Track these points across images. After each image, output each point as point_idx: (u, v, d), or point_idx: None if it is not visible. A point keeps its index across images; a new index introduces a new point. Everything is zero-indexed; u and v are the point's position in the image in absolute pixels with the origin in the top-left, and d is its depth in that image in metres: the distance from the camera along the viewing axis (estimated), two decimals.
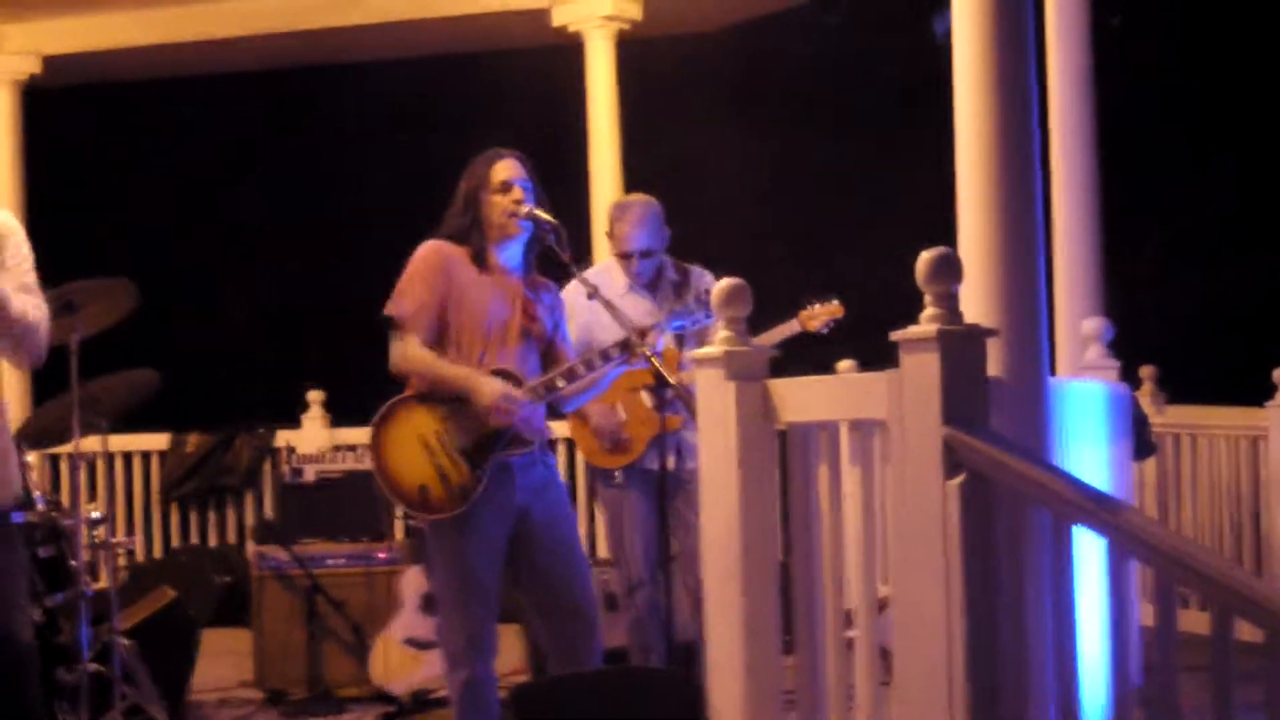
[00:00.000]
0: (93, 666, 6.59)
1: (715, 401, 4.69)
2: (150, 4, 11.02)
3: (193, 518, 11.03)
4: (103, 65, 11.70)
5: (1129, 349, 7.99)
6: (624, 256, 6.96)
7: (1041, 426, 4.32)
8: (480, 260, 5.68)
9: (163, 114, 14.56)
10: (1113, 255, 7.83)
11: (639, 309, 6.55)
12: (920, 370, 3.97)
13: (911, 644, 4.07)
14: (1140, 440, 6.80)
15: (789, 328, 7.02)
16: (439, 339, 5.64)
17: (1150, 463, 8.97)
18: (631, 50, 10.89)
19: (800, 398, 4.59)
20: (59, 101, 11.87)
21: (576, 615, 5.64)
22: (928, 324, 3.96)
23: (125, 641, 6.86)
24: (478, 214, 5.68)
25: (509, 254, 5.74)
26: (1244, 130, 15.35)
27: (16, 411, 8.33)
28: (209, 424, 11.03)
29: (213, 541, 10.96)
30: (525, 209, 5.64)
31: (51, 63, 11.36)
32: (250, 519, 10.77)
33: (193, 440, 10.94)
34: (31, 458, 7.14)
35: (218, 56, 11.80)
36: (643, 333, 5.66)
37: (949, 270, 4.01)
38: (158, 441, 10.98)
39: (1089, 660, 3.95)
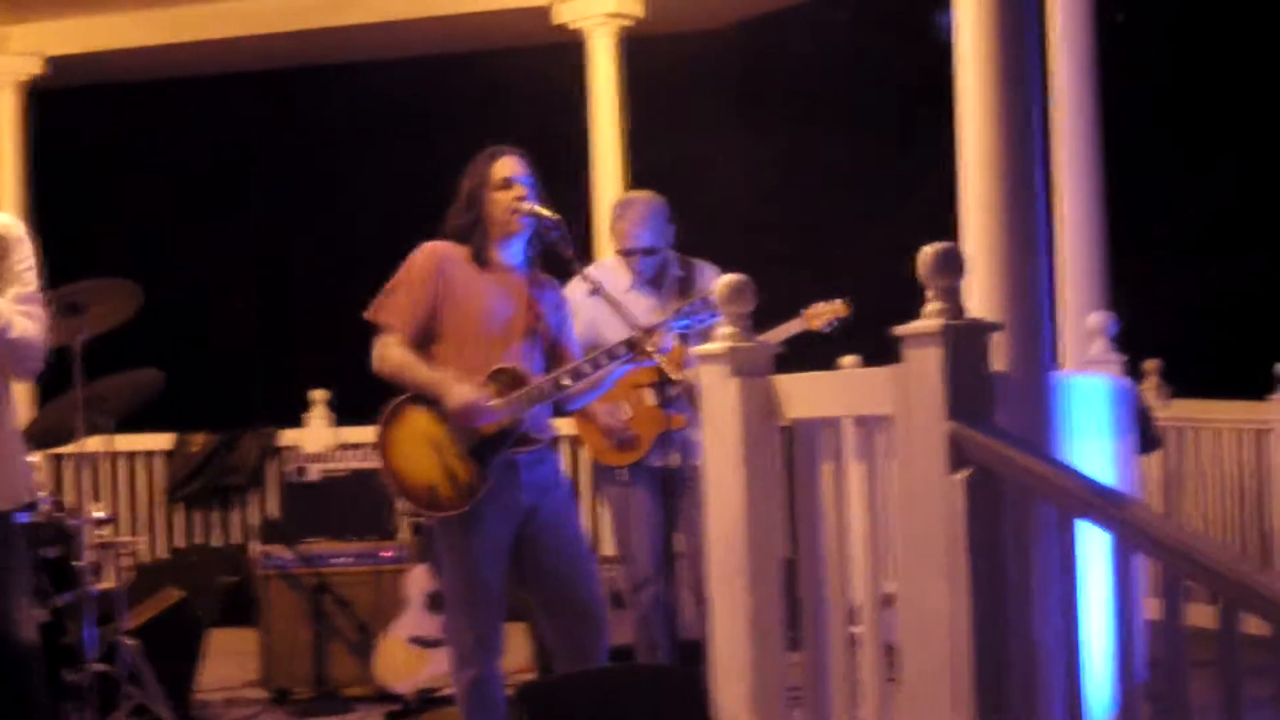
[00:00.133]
0: (99, 667, 6.60)
1: (719, 398, 4.68)
2: (153, 5, 11.03)
3: (198, 517, 11.04)
4: (106, 66, 11.71)
5: (1133, 343, 7.98)
6: (627, 254, 6.96)
7: (1046, 421, 4.31)
8: (481, 259, 5.68)
9: (166, 114, 14.56)
10: (1117, 250, 7.82)
11: (642, 306, 6.56)
12: (924, 365, 3.96)
13: (917, 640, 4.06)
14: (1145, 434, 6.79)
15: (794, 326, 7.02)
16: (437, 339, 5.65)
17: (1155, 457, 8.97)
18: (634, 48, 10.89)
19: (804, 394, 4.59)
20: (62, 102, 11.87)
21: (583, 613, 5.64)
22: (931, 318, 3.95)
23: (131, 642, 6.87)
24: (480, 212, 5.68)
25: (511, 251, 5.74)
26: (1247, 125, 15.35)
27: (21, 412, 8.33)
28: (214, 424, 11.04)
29: (218, 541, 10.96)
30: (527, 206, 5.65)
31: (55, 63, 11.37)
32: (255, 518, 10.77)
33: (197, 440, 10.94)
34: (36, 458, 7.14)
35: (220, 57, 11.81)
36: (649, 331, 5.66)
37: (952, 264, 4.00)
38: (162, 441, 10.99)
39: (1095, 655, 3.95)
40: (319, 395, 10.82)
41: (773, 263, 5.86)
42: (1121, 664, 3.77)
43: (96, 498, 9.77)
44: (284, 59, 12.22)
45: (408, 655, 7.60)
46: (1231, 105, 15.39)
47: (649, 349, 5.60)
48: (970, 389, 3.93)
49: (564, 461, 5.89)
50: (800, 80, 14.55)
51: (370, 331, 5.70)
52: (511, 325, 5.68)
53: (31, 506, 6.31)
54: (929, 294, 3.99)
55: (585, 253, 7.96)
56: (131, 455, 11.00)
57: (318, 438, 10.60)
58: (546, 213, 5.65)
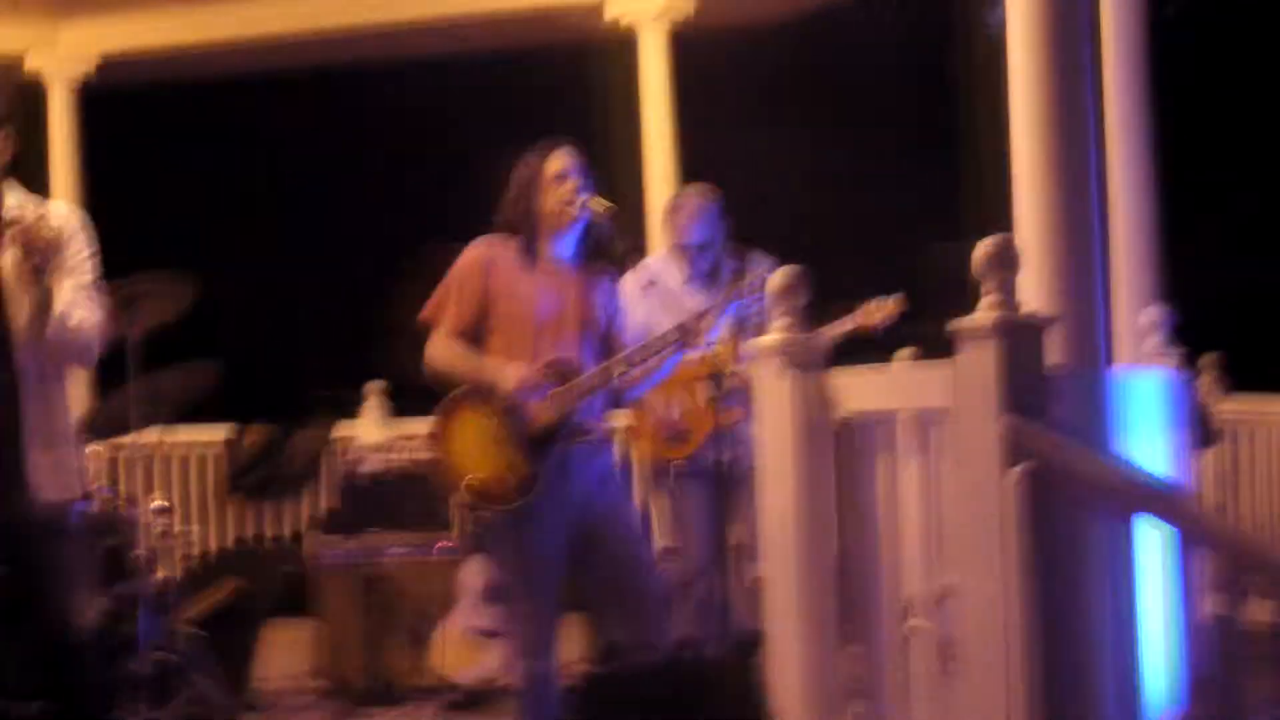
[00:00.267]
0: (157, 657, 6.64)
1: (773, 392, 4.69)
2: (204, 3, 11.08)
3: (255, 509, 11.09)
4: (158, 66, 11.75)
5: (1189, 338, 7.94)
6: (681, 249, 6.98)
7: (1101, 416, 4.30)
8: (531, 254, 5.70)
9: (217, 112, 14.59)
10: (1172, 243, 7.79)
11: (697, 301, 6.56)
12: (979, 360, 3.96)
13: (972, 635, 4.07)
14: (1201, 429, 6.77)
15: (848, 324, 7.03)
16: (488, 336, 5.67)
17: (1212, 452, 8.93)
18: (685, 43, 10.88)
19: (858, 388, 4.59)
20: (115, 101, 11.93)
21: (641, 606, 5.64)
22: (986, 313, 3.96)
23: (189, 632, 6.91)
24: (532, 206, 5.70)
25: (563, 245, 5.75)
26: None
27: (79, 403, 8.39)
28: (270, 416, 11.07)
29: (275, 532, 11.01)
30: (581, 200, 5.66)
31: (107, 62, 11.43)
32: (311, 511, 10.82)
33: (253, 432, 10.98)
34: (95, 449, 7.19)
35: (271, 56, 11.83)
36: (699, 317, 5.65)
37: (1007, 259, 4.01)
38: (219, 433, 11.04)
39: (1150, 652, 3.95)
40: (375, 387, 10.86)
41: (825, 257, 5.84)
42: (1178, 660, 3.77)
43: (155, 489, 9.84)
44: (334, 58, 12.23)
45: (464, 646, 7.63)
46: None
47: (699, 335, 5.60)
48: (1025, 384, 3.93)
49: (617, 455, 5.89)
50: (852, 75, 14.50)
51: (424, 328, 5.74)
52: (561, 319, 5.69)
53: (89, 497, 6.37)
54: (984, 289, 3.99)
55: (638, 247, 7.96)
56: (189, 447, 11.06)
57: (374, 430, 10.64)
58: (600, 207, 5.67)
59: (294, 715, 7.62)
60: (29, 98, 10.76)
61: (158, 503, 7.12)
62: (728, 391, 6.25)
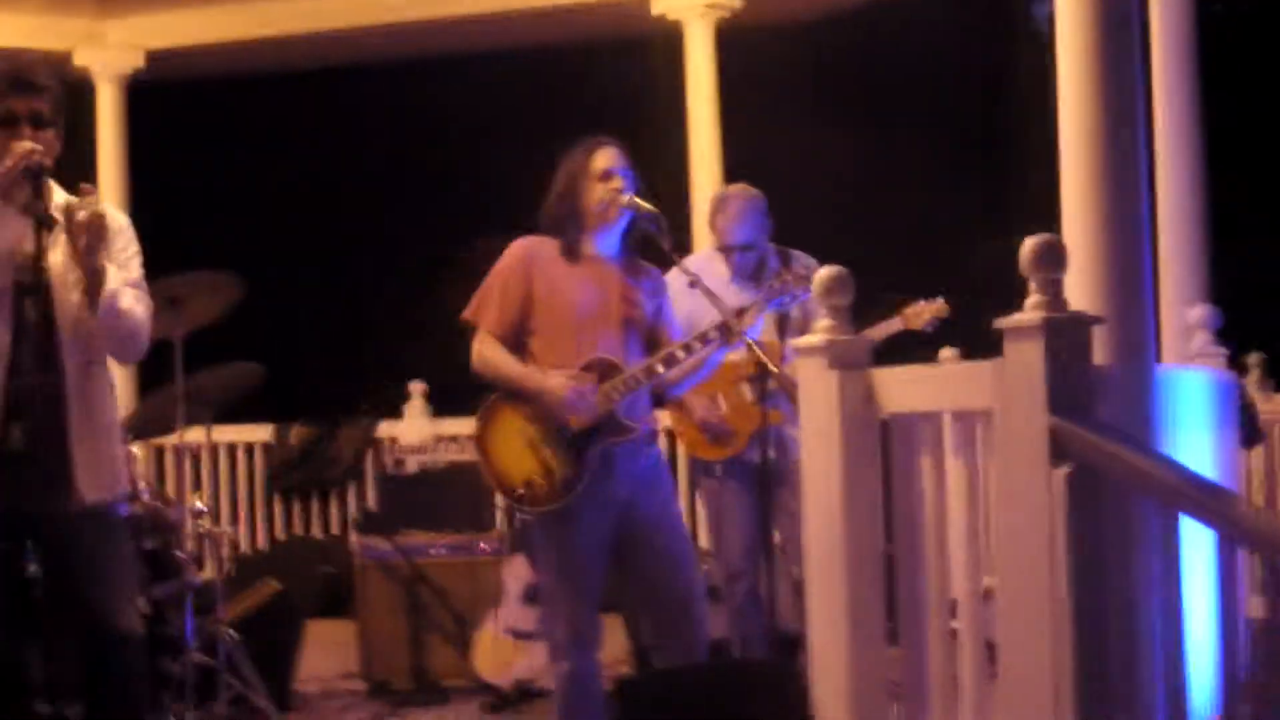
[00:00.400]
0: (198, 657, 6.66)
1: (818, 391, 4.66)
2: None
3: (296, 509, 11.12)
4: (204, 61, 11.80)
5: (1235, 337, 7.89)
6: (725, 249, 6.96)
7: (1148, 415, 4.27)
8: (573, 251, 5.68)
9: (262, 109, 14.64)
10: (1218, 241, 7.74)
11: (740, 300, 6.54)
12: (1025, 359, 3.93)
13: (1017, 636, 4.03)
14: (1247, 429, 6.72)
15: (894, 325, 7.01)
16: (531, 334, 5.66)
17: (1257, 451, 8.87)
18: (732, 39, 10.86)
19: (903, 387, 4.56)
20: (161, 97, 11.97)
21: (682, 607, 5.62)
22: (1032, 312, 3.93)
23: (230, 632, 6.92)
24: (576, 202, 5.68)
25: (607, 242, 5.73)
26: None
27: (123, 403, 8.41)
28: (312, 416, 11.10)
29: (316, 532, 11.03)
30: (626, 197, 5.64)
31: (153, 58, 11.47)
32: (353, 510, 10.84)
33: (296, 432, 11.02)
34: (136, 449, 7.21)
35: (318, 51, 11.88)
36: (739, 313, 5.62)
37: (1054, 257, 3.97)
38: (262, 433, 11.07)
39: (1197, 653, 3.91)
40: (417, 388, 10.88)
41: (870, 256, 5.81)
42: (1224, 661, 3.74)
43: (196, 489, 9.86)
44: (380, 53, 12.27)
45: (505, 647, 7.62)
46: None
47: (739, 331, 5.56)
48: (1072, 383, 3.90)
49: (661, 454, 5.86)
50: (897, 71, 14.47)
51: (467, 327, 5.73)
52: (603, 315, 5.66)
53: (132, 497, 6.38)
54: (1030, 287, 3.96)
55: (683, 245, 7.95)
56: (231, 447, 11.10)
57: (415, 430, 10.65)
58: (645, 204, 5.64)
59: (334, 716, 7.62)
60: (76, 94, 10.81)
61: (198, 503, 7.13)
62: (771, 391, 6.22)
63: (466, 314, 5.73)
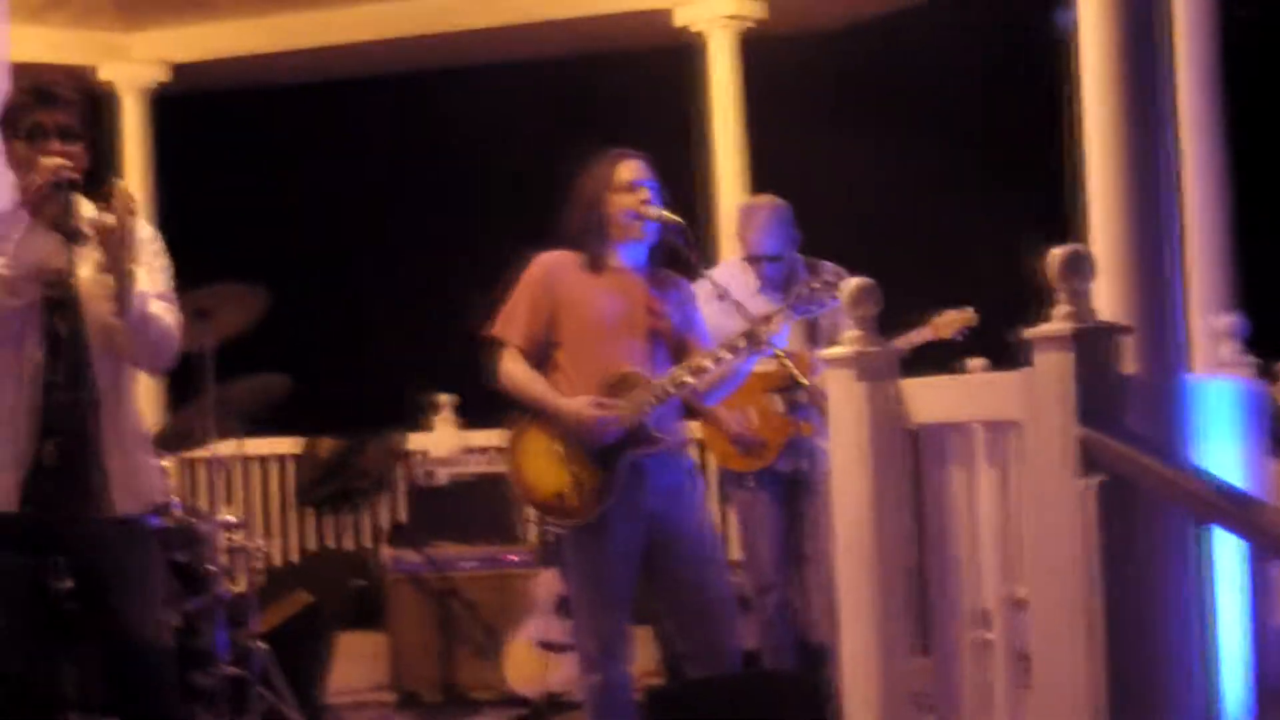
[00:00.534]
0: (229, 670, 6.67)
1: (846, 402, 4.66)
2: (276, 11, 11.14)
3: (326, 521, 11.13)
4: (229, 73, 11.82)
5: (1263, 345, 7.86)
6: (752, 260, 6.96)
7: (1178, 425, 4.25)
8: (596, 264, 5.69)
9: (288, 120, 14.65)
10: (1247, 248, 7.71)
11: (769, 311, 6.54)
12: (1054, 369, 3.93)
13: (1049, 646, 4.03)
14: (1276, 438, 6.70)
15: (923, 334, 7.00)
16: (556, 348, 5.67)
17: None
18: (755, 49, 10.85)
19: (932, 398, 4.56)
20: (186, 109, 12.00)
21: (712, 618, 5.62)
22: (1061, 322, 3.92)
23: (261, 645, 6.93)
24: (601, 215, 5.68)
25: (632, 254, 5.74)
26: None
27: (151, 417, 8.43)
28: (341, 428, 11.11)
29: (346, 545, 11.04)
30: (652, 210, 5.64)
31: (178, 71, 11.50)
32: (383, 522, 10.84)
33: (325, 444, 11.02)
34: (166, 462, 7.22)
35: (340, 63, 11.90)
36: (764, 320, 5.62)
37: (1081, 267, 3.97)
38: (291, 445, 11.08)
39: (1229, 662, 3.90)
40: (446, 399, 10.88)
41: (897, 267, 5.81)
42: (1256, 672, 3.73)
43: (227, 502, 9.88)
44: (404, 64, 12.28)
45: (535, 659, 7.62)
46: None
47: (765, 338, 5.56)
48: (1101, 393, 3.89)
49: (691, 465, 5.87)
50: (921, 80, 14.44)
51: (493, 343, 5.74)
52: (629, 327, 5.67)
53: (162, 510, 6.39)
54: (1058, 297, 3.95)
55: (708, 257, 7.95)
56: (262, 459, 11.11)
57: (445, 442, 10.66)
58: (670, 216, 5.65)
59: None
60: (101, 107, 10.84)
61: (229, 516, 7.14)
62: (802, 403, 6.22)
63: (491, 330, 5.74)
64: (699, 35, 10.79)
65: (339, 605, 9.46)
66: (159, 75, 11.53)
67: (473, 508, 8.47)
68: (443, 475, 9.20)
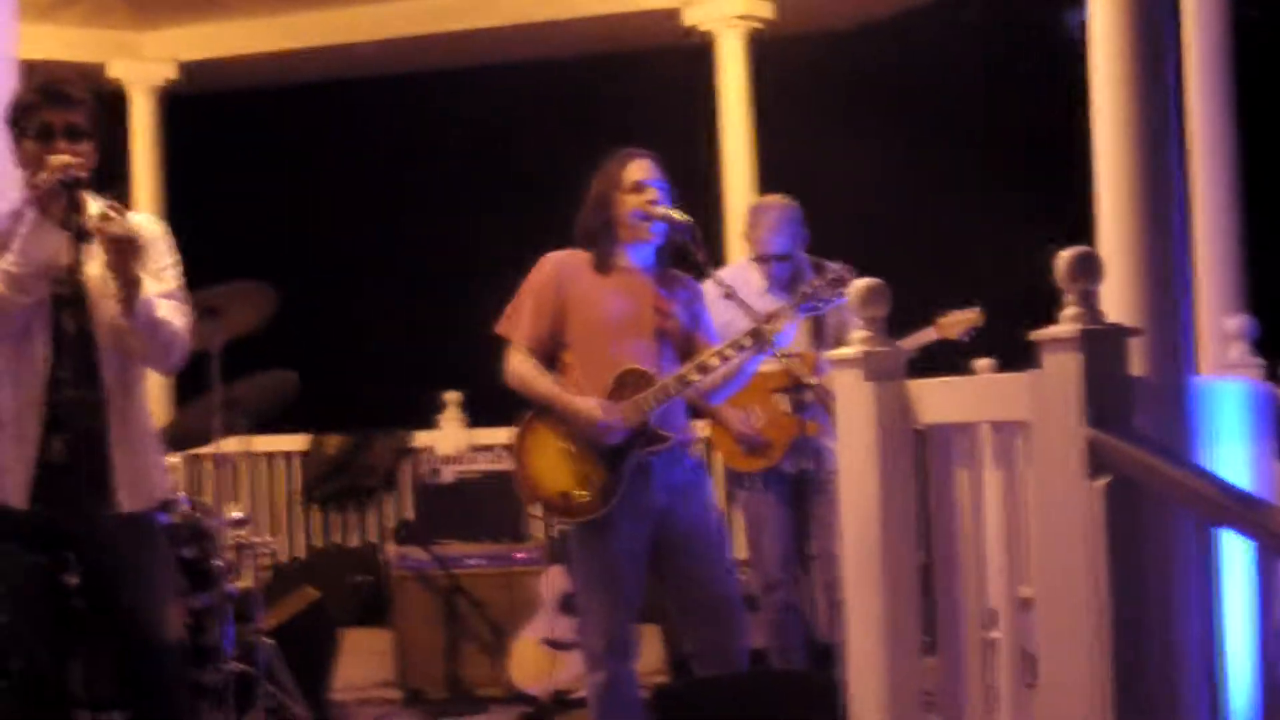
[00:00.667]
0: (236, 666, 6.67)
1: (853, 402, 4.66)
2: (286, 10, 11.15)
3: (333, 518, 11.14)
4: (239, 71, 11.83)
5: (1273, 347, 7.85)
6: (761, 260, 6.97)
7: (1186, 427, 4.26)
8: (604, 263, 5.70)
9: (298, 119, 14.68)
10: (1256, 250, 7.71)
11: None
12: (1062, 371, 3.93)
13: (1056, 646, 4.03)
14: None
15: (928, 335, 7.00)
16: (564, 347, 5.67)
17: None
18: (762, 50, 10.85)
19: (939, 398, 4.56)
20: (196, 107, 12.01)
21: (720, 617, 5.63)
22: (1069, 323, 3.92)
23: (267, 641, 6.94)
24: (609, 215, 5.69)
25: (640, 254, 5.74)
26: None
27: (159, 414, 8.44)
28: (348, 425, 11.13)
29: (353, 542, 11.05)
30: (660, 210, 5.65)
31: (188, 69, 11.51)
32: (390, 520, 10.86)
33: (332, 441, 11.04)
34: (175, 459, 7.23)
35: (350, 62, 11.90)
36: (770, 318, 5.62)
37: (1089, 269, 3.97)
38: (298, 443, 11.09)
39: (1237, 665, 3.90)
40: (452, 397, 10.89)
41: (904, 267, 5.81)
42: (1263, 673, 3.73)
43: (233, 498, 9.89)
44: (413, 63, 12.28)
45: (541, 657, 7.63)
46: None
47: (770, 337, 5.56)
48: (1109, 395, 3.89)
49: (697, 464, 5.87)
50: (933, 81, 14.45)
51: (500, 341, 5.75)
52: (636, 327, 5.68)
53: (169, 507, 6.40)
54: (1066, 299, 3.95)
55: (715, 256, 7.95)
56: (269, 456, 11.12)
57: (451, 439, 10.66)
58: (678, 216, 5.65)
59: None
60: (111, 105, 10.84)
61: (237, 512, 7.15)
62: (808, 403, 6.22)
63: (499, 328, 5.75)
64: (708, 35, 10.79)
65: (345, 602, 9.48)
66: (169, 73, 11.53)
67: (479, 505, 8.48)
68: (449, 473, 9.21)
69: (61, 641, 4.94)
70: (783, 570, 6.87)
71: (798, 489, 6.66)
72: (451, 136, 15.09)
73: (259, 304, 7.05)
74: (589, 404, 5.52)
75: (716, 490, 8.53)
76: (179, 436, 7.33)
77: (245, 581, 7.05)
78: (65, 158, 4.78)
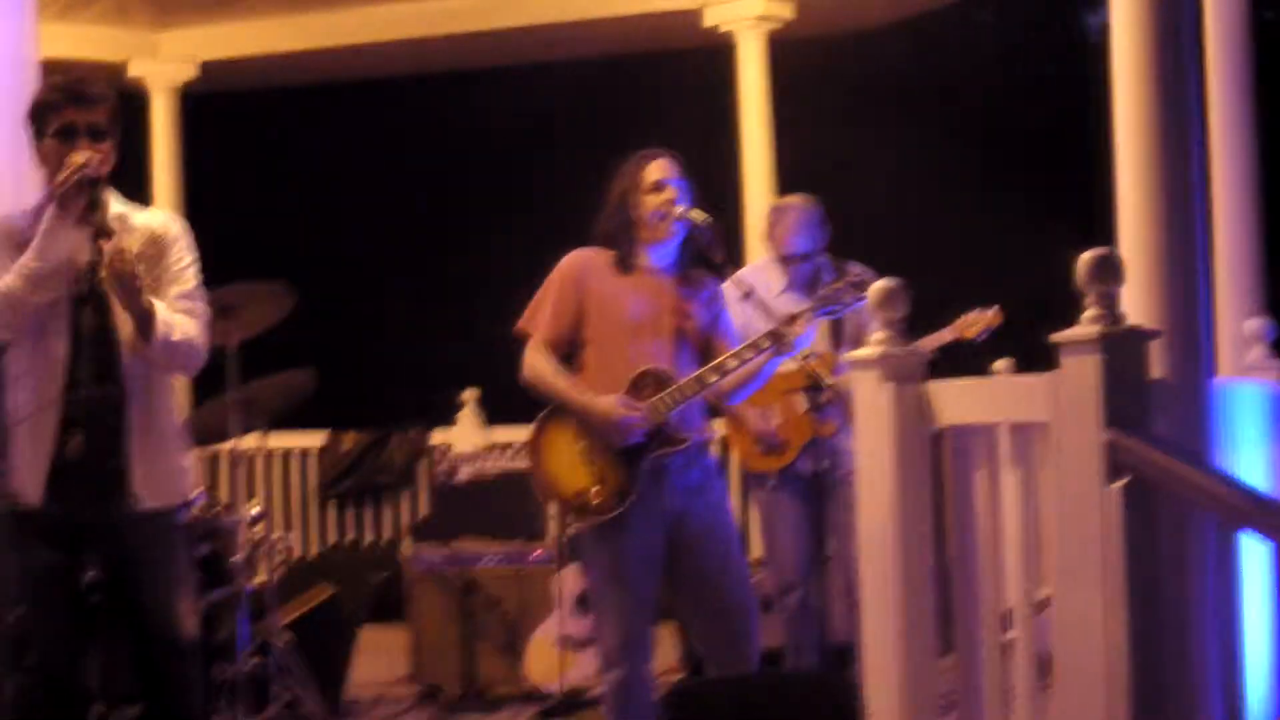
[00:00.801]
0: (251, 662, 6.68)
1: (872, 404, 4.66)
2: (305, 10, 11.16)
3: (349, 515, 11.15)
4: (257, 71, 11.85)
5: None
6: (782, 260, 6.97)
7: (1204, 429, 4.25)
8: (625, 263, 5.69)
9: (316, 118, 14.72)
10: (1275, 253, 7.70)
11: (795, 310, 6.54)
12: (1081, 372, 3.92)
13: (1072, 648, 4.03)
14: None
15: (946, 335, 6.99)
16: (583, 346, 5.67)
17: None
18: (784, 50, 10.85)
19: (958, 400, 4.56)
20: (215, 107, 12.04)
21: (734, 617, 5.62)
22: (1089, 325, 3.92)
23: (283, 638, 6.95)
24: (629, 215, 5.69)
25: (661, 254, 5.73)
26: None
27: (179, 410, 8.43)
28: (365, 423, 11.14)
29: (369, 539, 11.07)
30: (679, 209, 5.64)
31: (207, 69, 11.53)
32: (406, 517, 10.87)
33: (349, 439, 11.05)
34: (192, 456, 7.23)
35: (370, 62, 11.91)
36: (790, 320, 5.61)
37: (1110, 271, 3.97)
38: (315, 440, 11.11)
39: (1254, 666, 3.90)
40: (469, 395, 10.89)
41: (923, 267, 5.80)
42: (1276, 675, 3.72)
43: (250, 495, 9.90)
44: (432, 64, 12.29)
45: (556, 655, 7.63)
46: None
47: (791, 339, 5.55)
48: (1128, 397, 3.89)
49: (713, 464, 5.86)
50: (951, 81, 14.46)
51: (520, 337, 5.75)
52: (655, 327, 5.67)
53: (187, 504, 6.41)
54: (1086, 300, 3.95)
55: (736, 256, 7.95)
56: (285, 454, 11.14)
57: (468, 437, 10.67)
58: (698, 216, 5.65)
59: None
60: (131, 104, 10.86)
61: (254, 509, 7.16)
62: (825, 403, 6.22)
63: (519, 324, 5.75)
64: (728, 36, 10.78)
65: (361, 599, 9.46)
66: (188, 73, 11.55)
67: (495, 503, 8.47)
68: (465, 471, 9.21)
69: (78, 637, 4.95)
70: (798, 571, 6.86)
71: (815, 489, 6.65)
72: (469, 136, 15.11)
73: (276, 302, 7.06)
74: (609, 401, 5.52)
75: (732, 489, 8.53)
76: (196, 433, 7.32)
77: (261, 578, 7.05)
78: (86, 154, 4.78)
